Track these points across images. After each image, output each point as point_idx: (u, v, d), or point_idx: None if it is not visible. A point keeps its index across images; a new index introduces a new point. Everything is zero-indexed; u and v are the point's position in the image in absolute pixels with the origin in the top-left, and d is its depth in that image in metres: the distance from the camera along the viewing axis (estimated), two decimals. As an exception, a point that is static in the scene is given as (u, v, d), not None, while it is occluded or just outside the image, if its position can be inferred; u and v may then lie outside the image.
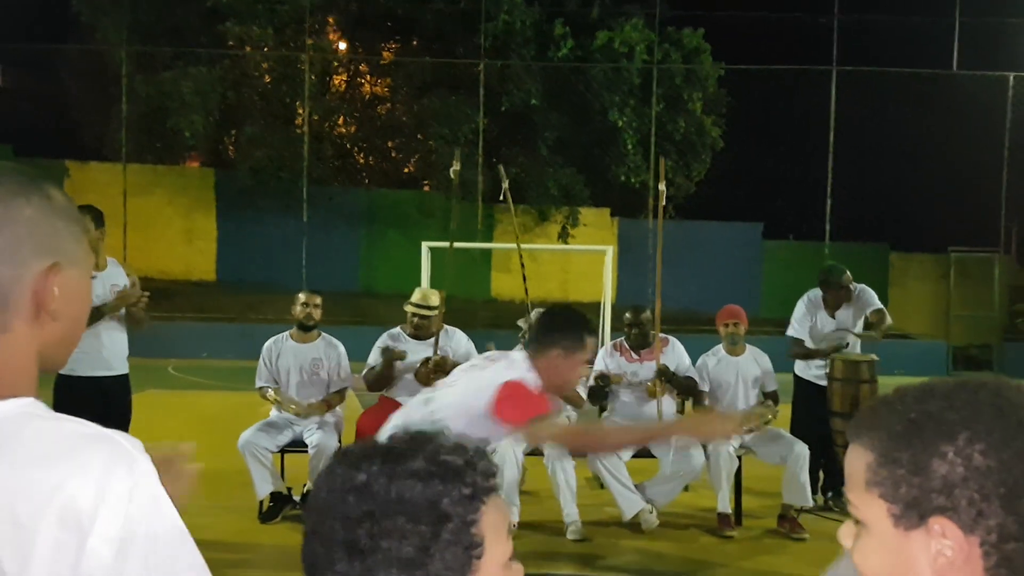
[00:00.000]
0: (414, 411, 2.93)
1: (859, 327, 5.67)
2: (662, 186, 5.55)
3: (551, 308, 3.34)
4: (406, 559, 0.89)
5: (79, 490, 0.84)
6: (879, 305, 5.64)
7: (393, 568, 0.89)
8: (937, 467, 0.83)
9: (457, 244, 7.62)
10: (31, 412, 0.92)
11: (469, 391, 2.81)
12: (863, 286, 5.74)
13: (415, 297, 5.44)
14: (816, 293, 5.75)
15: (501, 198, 6.08)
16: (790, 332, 5.79)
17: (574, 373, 2.88)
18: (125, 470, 0.87)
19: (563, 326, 2.88)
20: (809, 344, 5.70)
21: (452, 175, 5.99)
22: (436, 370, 4.87)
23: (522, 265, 6.60)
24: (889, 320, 5.58)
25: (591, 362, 4.81)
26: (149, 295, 4.65)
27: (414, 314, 5.37)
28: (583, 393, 5.39)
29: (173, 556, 0.88)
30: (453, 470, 0.93)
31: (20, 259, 0.94)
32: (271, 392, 5.28)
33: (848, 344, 5.53)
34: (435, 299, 5.44)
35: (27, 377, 0.96)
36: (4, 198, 0.95)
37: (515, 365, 2.85)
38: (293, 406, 5.20)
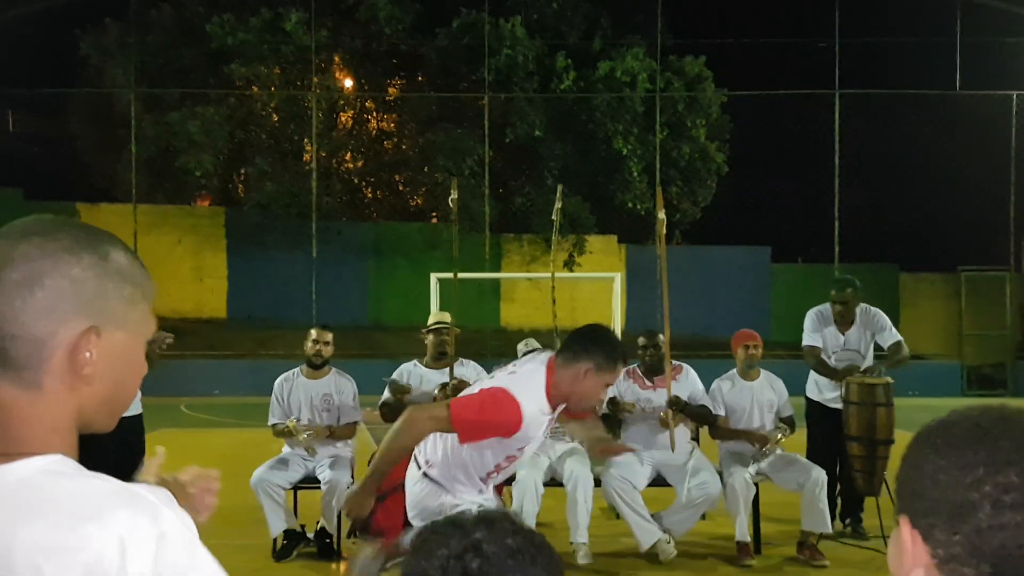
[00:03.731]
0: None
1: (870, 354, 5.62)
2: (661, 214, 5.52)
3: (595, 324, 3.18)
4: None
5: (104, 547, 0.84)
6: (896, 335, 5.54)
7: None
8: (908, 473, 0.92)
9: (462, 275, 7.66)
10: (56, 470, 0.91)
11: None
12: (876, 310, 5.67)
13: (430, 320, 5.55)
14: (826, 307, 5.71)
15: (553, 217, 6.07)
16: (806, 341, 5.72)
17: (596, 392, 2.84)
18: (149, 522, 0.87)
19: (603, 343, 2.85)
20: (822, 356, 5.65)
21: (451, 203, 6.02)
22: (455, 395, 4.86)
23: (552, 288, 6.49)
24: (906, 351, 5.52)
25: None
26: (171, 338, 4.67)
27: (434, 330, 5.42)
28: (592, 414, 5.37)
29: None
30: None
31: (58, 317, 0.93)
32: (289, 422, 5.24)
33: (857, 369, 5.47)
34: (447, 317, 5.59)
35: (59, 436, 0.94)
36: (55, 253, 0.94)
37: (533, 374, 2.85)
38: (302, 437, 5.14)
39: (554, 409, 2.88)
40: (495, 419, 2.72)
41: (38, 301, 0.92)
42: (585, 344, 2.83)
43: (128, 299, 0.98)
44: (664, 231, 5.51)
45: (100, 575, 0.84)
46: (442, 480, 2.93)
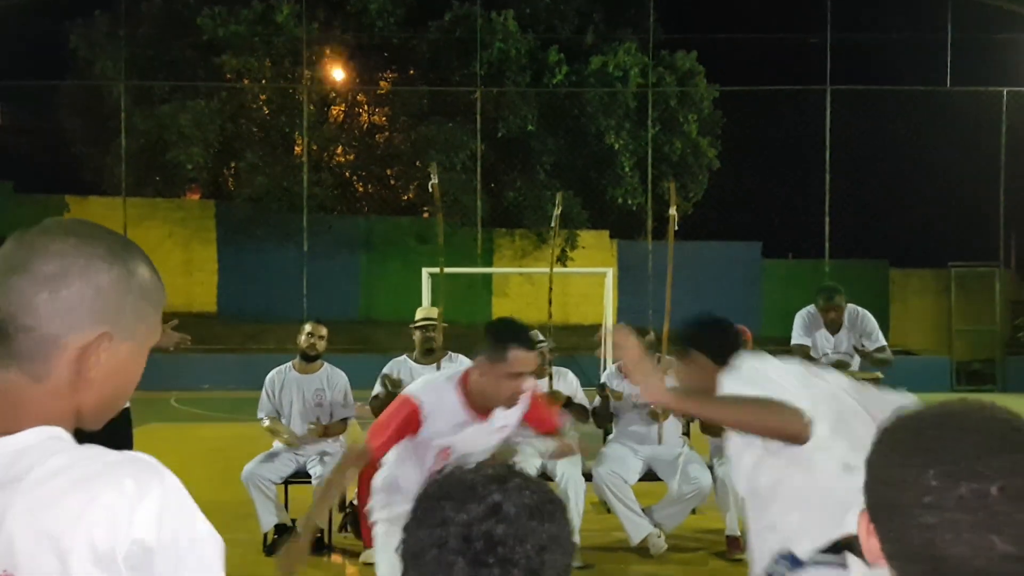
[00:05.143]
0: None
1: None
2: (673, 210, 5.49)
3: (496, 319, 3.14)
4: None
5: (114, 504, 0.88)
6: (881, 341, 5.59)
7: None
8: (865, 467, 0.93)
9: (449, 269, 7.62)
10: (55, 438, 0.94)
11: None
12: (864, 312, 5.70)
13: (418, 315, 5.52)
14: (815, 309, 5.74)
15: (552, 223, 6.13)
16: (795, 341, 5.75)
17: (499, 384, 2.67)
18: (157, 482, 0.91)
19: (491, 334, 2.74)
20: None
21: (431, 188, 5.94)
22: None
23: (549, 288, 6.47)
24: (889, 354, 5.59)
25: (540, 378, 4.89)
26: (188, 340, 4.76)
27: (422, 326, 5.39)
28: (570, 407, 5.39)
29: (200, 559, 0.92)
30: None
31: (76, 317, 0.97)
32: (267, 421, 5.26)
33: (849, 365, 5.51)
34: (435, 312, 5.57)
35: (57, 422, 0.97)
36: (88, 256, 0.98)
37: (442, 373, 2.99)
38: (285, 435, 5.14)
39: (477, 412, 2.79)
40: (392, 415, 2.74)
41: (62, 299, 0.96)
42: (483, 338, 2.76)
43: (141, 314, 1.03)
44: (675, 227, 5.49)
45: (109, 528, 0.87)
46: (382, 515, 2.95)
